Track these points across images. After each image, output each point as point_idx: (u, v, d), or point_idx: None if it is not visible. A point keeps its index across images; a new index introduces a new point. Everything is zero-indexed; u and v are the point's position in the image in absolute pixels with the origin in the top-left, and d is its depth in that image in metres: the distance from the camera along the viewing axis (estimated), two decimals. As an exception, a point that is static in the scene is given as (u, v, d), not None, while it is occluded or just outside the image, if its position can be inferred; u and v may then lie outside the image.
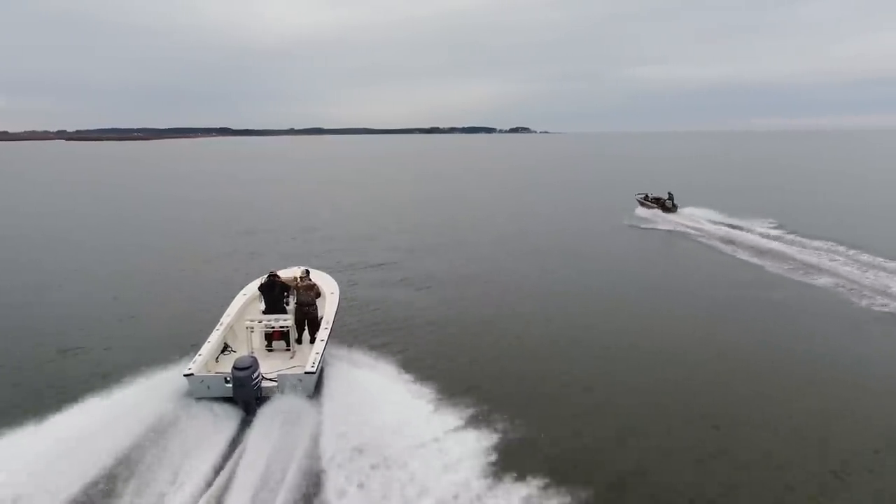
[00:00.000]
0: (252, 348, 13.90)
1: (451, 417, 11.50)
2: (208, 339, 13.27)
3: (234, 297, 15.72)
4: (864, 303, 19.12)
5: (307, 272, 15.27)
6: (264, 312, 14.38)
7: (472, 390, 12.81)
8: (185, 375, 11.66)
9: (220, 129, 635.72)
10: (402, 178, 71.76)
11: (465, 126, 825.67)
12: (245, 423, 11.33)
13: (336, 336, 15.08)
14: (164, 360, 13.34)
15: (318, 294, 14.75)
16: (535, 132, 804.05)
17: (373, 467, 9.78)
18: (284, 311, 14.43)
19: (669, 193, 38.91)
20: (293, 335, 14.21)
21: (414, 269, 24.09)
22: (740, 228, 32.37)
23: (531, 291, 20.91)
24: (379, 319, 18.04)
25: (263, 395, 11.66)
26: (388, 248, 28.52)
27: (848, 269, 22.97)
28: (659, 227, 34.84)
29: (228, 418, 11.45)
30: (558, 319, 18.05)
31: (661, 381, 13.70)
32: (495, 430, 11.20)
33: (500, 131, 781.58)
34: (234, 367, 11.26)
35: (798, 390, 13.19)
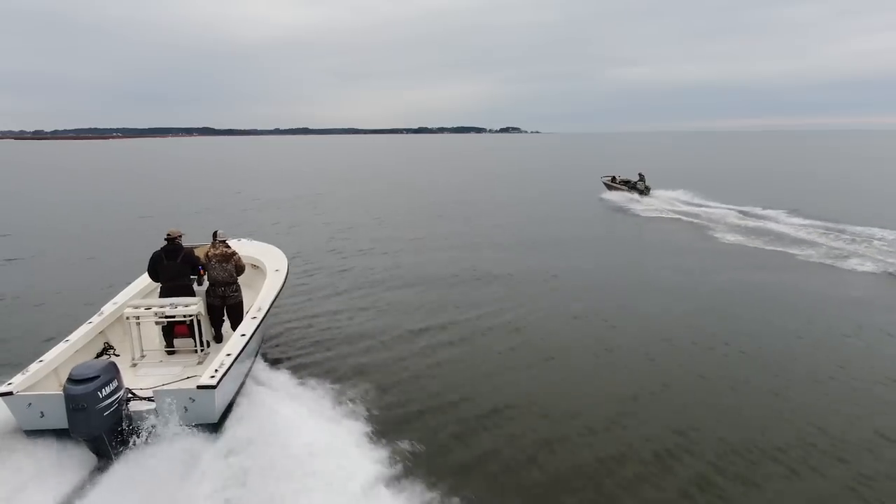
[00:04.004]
0: (141, 350, 9.28)
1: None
2: (67, 338, 8.64)
3: (134, 280, 11.09)
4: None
5: (224, 237, 10.21)
6: (162, 294, 9.69)
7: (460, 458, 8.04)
8: None
9: (203, 128, 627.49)
10: (392, 179, 66.45)
11: (454, 126, 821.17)
12: (96, 475, 6.80)
13: (280, 335, 10.58)
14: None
15: (240, 268, 9.94)
16: (526, 132, 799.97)
17: None
18: (191, 293, 9.71)
19: (640, 175, 34.59)
20: (206, 330, 9.56)
21: (390, 267, 19.31)
22: (722, 209, 29.19)
23: (498, 292, 15.69)
24: (344, 318, 13.38)
25: (133, 424, 7.04)
26: (368, 241, 24.15)
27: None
28: (632, 211, 30.55)
29: (70, 467, 6.94)
30: (537, 324, 13.19)
31: (656, 380, 10.28)
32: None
33: (490, 131, 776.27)
34: (69, 379, 6.65)
35: (795, 370, 10.59)
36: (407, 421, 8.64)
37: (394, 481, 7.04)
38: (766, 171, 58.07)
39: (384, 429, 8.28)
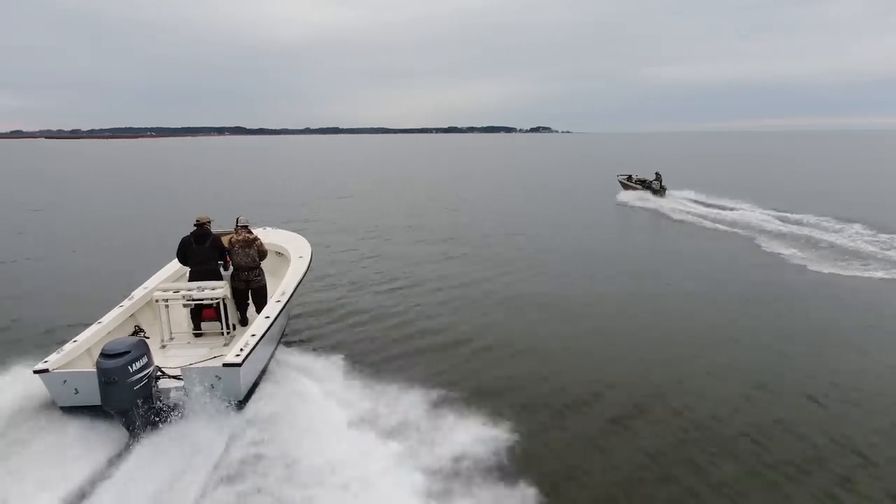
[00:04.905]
0: (170, 332, 9.57)
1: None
2: (99, 320, 8.95)
3: (164, 266, 11.42)
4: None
5: (246, 223, 10.45)
6: (191, 278, 10.00)
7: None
8: (36, 372, 7.29)
9: (234, 128, 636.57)
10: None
11: (484, 126, 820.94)
12: (126, 450, 7.09)
13: (304, 321, 11.01)
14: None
15: (262, 253, 10.22)
16: (557, 132, 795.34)
17: None
18: (219, 276, 9.99)
19: (657, 174, 33.90)
20: (232, 314, 9.83)
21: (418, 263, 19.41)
22: (741, 211, 28.00)
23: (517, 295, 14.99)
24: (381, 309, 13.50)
25: (162, 401, 7.31)
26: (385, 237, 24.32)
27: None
28: (649, 211, 29.70)
29: (102, 442, 7.20)
30: (563, 325, 12.70)
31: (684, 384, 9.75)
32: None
33: (520, 131, 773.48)
34: (102, 354, 6.92)
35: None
36: (431, 407, 8.67)
37: (416, 467, 7.05)
38: (790, 173, 56.22)
39: (408, 415, 8.29)
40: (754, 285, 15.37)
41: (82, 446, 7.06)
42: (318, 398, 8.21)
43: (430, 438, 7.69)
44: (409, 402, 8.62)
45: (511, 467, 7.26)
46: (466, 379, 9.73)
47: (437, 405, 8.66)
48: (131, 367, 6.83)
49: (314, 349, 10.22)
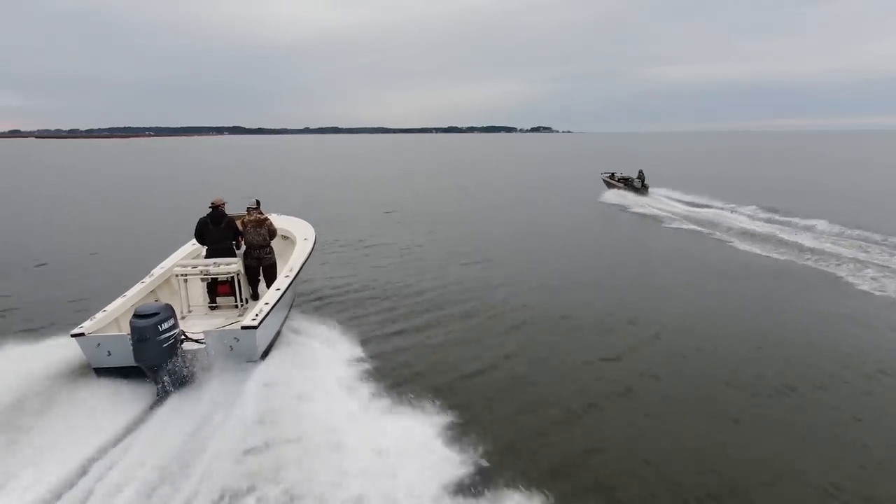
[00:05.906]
0: (189, 305, 10.39)
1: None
2: (124, 294, 9.76)
3: (181, 246, 12.27)
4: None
5: (257, 204, 11.29)
6: (208, 256, 10.83)
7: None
8: (73, 336, 8.09)
9: (233, 127, 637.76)
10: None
11: (484, 125, 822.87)
12: (152, 407, 7.88)
13: (309, 298, 12.07)
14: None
15: (272, 232, 11.04)
16: (558, 132, 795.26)
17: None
18: (233, 255, 10.82)
19: (640, 172, 34.20)
20: (245, 289, 10.65)
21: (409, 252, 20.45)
22: (721, 209, 28.34)
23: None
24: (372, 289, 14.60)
25: (186, 362, 8.12)
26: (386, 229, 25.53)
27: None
28: (627, 209, 29.92)
29: (132, 399, 7.96)
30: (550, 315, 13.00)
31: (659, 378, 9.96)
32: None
33: (521, 131, 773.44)
34: (134, 315, 7.71)
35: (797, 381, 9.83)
36: (420, 372, 9.63)
37: (415, 416, 7.96)
38: (781, 173, 56.00)
39: (401, 380, 9.28)
40: (721, 281, 15.78)
41: (115, 402, 7.81)
42: (324, 359, 9.15)
43: (420, 396, 8.63)
44: (401, 369, 9.63)
45: (492, 433, 7.94)
46: (444, 355, 10.58)
47: (423, 370, 9.67)
48: (160, 327, 7.61)
49: (319, 319, 11.24)
